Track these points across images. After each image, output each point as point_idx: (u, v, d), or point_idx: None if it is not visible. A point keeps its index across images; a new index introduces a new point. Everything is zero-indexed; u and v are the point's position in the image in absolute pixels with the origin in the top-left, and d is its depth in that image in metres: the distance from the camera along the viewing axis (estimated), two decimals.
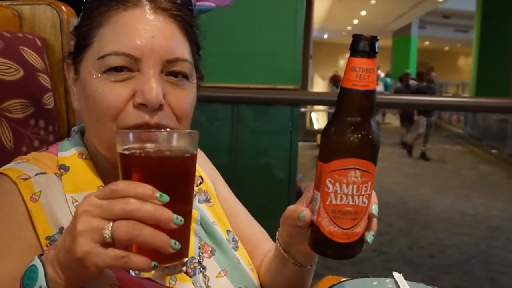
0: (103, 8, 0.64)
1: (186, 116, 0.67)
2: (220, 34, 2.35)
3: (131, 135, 0.55)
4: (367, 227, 0.62)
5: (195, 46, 0.70)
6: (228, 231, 0.80)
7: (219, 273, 0.73)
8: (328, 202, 0.58)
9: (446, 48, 30.85)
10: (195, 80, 0.70)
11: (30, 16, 0.99)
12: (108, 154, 0.67)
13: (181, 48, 0.65)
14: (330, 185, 0.57)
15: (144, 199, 0.49)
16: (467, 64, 26.57)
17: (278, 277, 0.77)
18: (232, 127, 2.40)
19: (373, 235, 0.63)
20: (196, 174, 0.83)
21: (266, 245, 0.85)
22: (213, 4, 0.72)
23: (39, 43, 0.95)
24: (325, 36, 26.13)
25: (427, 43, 27.54)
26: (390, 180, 6.42)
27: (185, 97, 0.66)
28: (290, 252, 0.72)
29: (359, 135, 0.57)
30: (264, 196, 2.33)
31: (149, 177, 0.52)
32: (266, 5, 2.38)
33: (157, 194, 0.49)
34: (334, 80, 14.67)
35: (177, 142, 0.56)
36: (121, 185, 0.50)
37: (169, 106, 0.65)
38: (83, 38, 0.66)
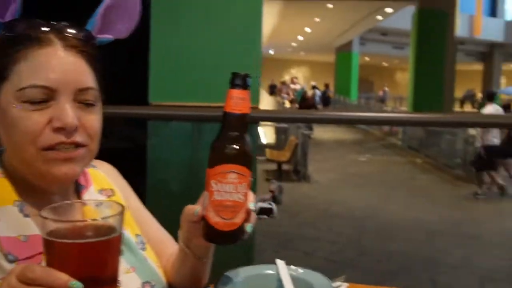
0: (19, 46, 0.73)
1: (97, 134, 0.77)
2: (183, 55, 2.44)
3: (52, 222, 0.55)
4: (247, 220, 0.76)
5: (99, 74, 0.79)
6: (137, 235, 0.89)
7: (128, 269, 0.82)
8: (213, 199, 0.73)
9: (385, 63, 32.42)
10: (100, 104, 0.80)
11: None
12: (29, 172, 0.74)
13: (89, 79, 0.76)
14: (214, 185, 0.73)
15: None
16: (404, 78, 28.04)
17: (181, 270, 0.89)
18: (191, 144, 2.49)
19: (251, 227, 0.77)
20: (107, 187, 0.92)
21: (172, 247, 0.96)
22: (111, 36, 0.84)
23: None
24: (271, 52, 26.72)
25: (367, 59, 28.82)
26: (338, 192, 6.69)
27: (95, 118, 0.77)
28: (190, 247, 0.83)
29: (236, 146, 0.74)
30: None
31: (71, 263, 0.55)
32: (226, 24, 2.48)
33: (71, 283, 0.53)
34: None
35: (102, 221, 0.57)
36: (38, 273, 0.53)
37: (82, 127, 0.74)
38: (1, 70, 0.73)
